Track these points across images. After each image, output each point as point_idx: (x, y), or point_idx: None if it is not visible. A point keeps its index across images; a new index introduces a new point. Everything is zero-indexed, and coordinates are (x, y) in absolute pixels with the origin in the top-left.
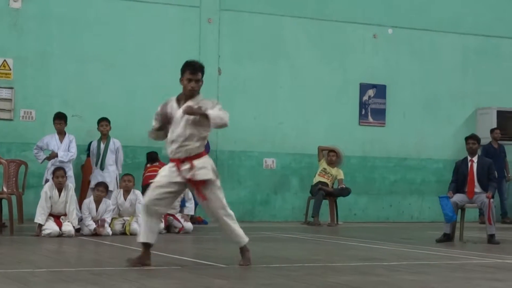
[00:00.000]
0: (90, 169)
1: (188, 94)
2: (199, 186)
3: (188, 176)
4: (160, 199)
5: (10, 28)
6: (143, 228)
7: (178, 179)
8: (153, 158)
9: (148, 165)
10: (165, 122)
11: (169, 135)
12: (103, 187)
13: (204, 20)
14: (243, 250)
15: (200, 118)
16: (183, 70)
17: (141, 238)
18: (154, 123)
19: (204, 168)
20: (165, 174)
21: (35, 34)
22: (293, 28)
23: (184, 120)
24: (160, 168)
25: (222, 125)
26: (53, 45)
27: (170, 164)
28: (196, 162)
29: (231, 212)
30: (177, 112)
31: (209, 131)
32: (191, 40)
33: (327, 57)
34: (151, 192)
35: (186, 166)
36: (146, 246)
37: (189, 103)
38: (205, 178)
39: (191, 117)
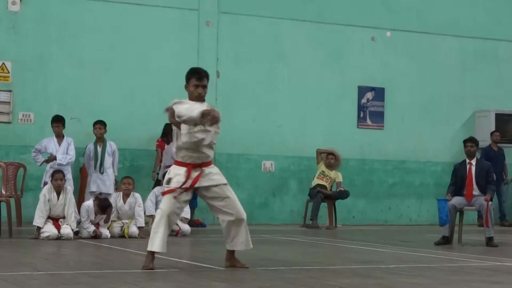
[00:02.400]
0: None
1: (195, 100)
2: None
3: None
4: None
5: (8, 31)
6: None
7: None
8: (169, 132)
9: (162, 143)
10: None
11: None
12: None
13: (203, 23)
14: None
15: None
16: (188, 77)
17: (159, 248)
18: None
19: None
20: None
21: (34, 37)
22: (292, 31)
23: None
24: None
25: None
26: (52, 48)
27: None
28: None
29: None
30: None
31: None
32: (190, 43)
33: (326, 60)
34: (173, 203)
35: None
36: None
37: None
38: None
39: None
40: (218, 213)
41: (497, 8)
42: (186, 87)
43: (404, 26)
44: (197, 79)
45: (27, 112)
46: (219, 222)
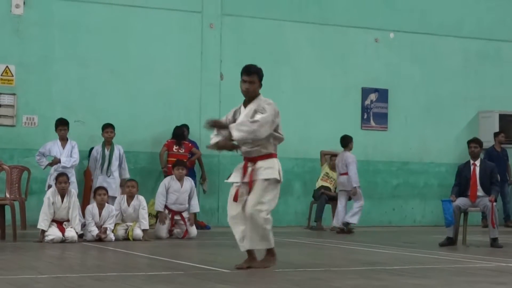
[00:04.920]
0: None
1: (244, 96)
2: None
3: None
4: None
5: (12, 34)
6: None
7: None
8: (179, 135)
9: (171, 144)
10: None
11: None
12: (104, 190)
13: (206, 25)
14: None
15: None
16: (241, 74)
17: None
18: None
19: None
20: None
21: (37, 40)
22: (295, 33)
23: None
24: (184, 151)
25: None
26: (55, 51)
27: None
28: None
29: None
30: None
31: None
32: (193, 45)
33: (329, 62)
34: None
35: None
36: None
37: (251, 106)
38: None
39: None
40: None
41: (500, 9)
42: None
43: (407, 27)
44: (244, 74)
45: (31, 115)
46: None
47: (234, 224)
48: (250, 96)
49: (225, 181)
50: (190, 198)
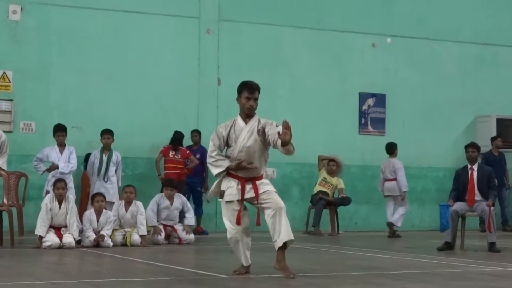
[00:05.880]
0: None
1: (248, 113)
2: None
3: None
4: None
5: (9, 40)
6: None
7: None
8: (175, 141)
9: (168, 149)
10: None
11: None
12: (102, 196)
13: (204, 30)
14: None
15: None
16: (240, 90)
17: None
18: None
19: None
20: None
21: (35, 46)
22: (292, 38)
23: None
24: (180, 157)
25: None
26: (53, 57)
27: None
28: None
29: None
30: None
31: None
32: (191, 50)
33: (326, 67)
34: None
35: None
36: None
37: (252, 122)
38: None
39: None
40: None
41: (497, 14)
42: (238, 99)
43: (404, 32)
44: (248, 92)
45: (28, 121)
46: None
47: (244, 236)
48: (251, 113)
49: (220, 200)
50: (184, 212)
